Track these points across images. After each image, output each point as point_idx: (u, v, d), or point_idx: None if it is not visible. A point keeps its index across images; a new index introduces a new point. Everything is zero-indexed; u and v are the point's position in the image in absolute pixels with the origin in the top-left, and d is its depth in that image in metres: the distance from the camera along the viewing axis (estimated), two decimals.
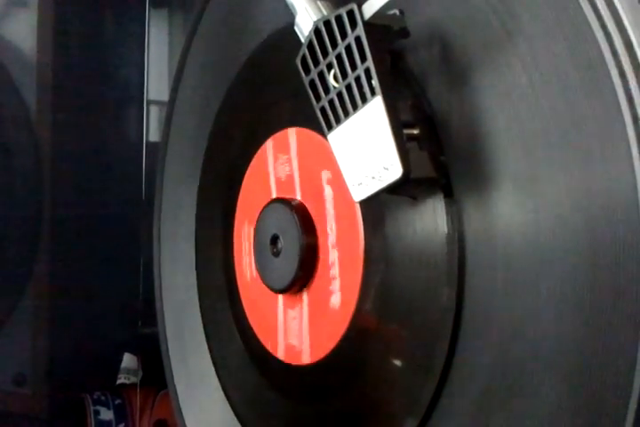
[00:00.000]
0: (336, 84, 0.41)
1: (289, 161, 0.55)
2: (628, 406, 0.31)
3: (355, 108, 0.39)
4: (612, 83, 0.33)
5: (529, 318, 0.36)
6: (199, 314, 0.69)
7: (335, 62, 0.40)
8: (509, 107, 0.38)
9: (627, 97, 0.32)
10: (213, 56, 0.70)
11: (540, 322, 0.36)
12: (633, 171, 0.32)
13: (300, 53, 0.43)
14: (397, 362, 0.44)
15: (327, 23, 0.41)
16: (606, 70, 0.33)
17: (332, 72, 0.41)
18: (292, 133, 0.55)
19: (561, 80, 0.35)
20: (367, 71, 0.38)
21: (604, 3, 0.33)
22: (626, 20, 0.33)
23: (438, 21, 0.42)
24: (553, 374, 0.35)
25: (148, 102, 1.08)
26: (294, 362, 0.54)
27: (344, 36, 0.39)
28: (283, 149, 0.56)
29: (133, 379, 1.05)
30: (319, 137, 0.50)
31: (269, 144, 0.58)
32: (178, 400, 0.73)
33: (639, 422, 0.32)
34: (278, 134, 0.56)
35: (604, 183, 0.33)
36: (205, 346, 0.68)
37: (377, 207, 0.45)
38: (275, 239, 0.54)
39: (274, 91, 0.58)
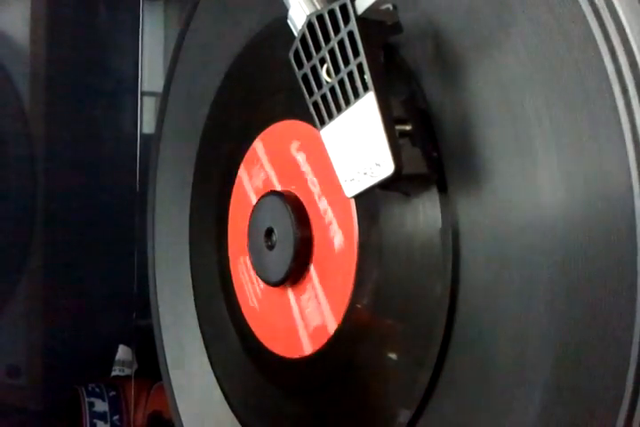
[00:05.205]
0: (329, 79, 0.40)
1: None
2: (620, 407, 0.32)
3: (347, 103, 0.39)
4: (607, 77, 0.33)
5: (523, 312, 0.36)
6: (194, 306, 0.69)
7: (328, 57, 0.40)
8: (503, 102, 0.37)
9: (621, 88, 0.32)
10: (208, 47, 0.70)
11: (534, 315, 0.36)
12: (627, 163, 0.32)
13: (293, 47, 0.42)
14: (391, 355, 0.44)
15: (320, 17, 0.40)
16: (602, 67, 0.33)
17: (325, 67, 0.41)
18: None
19: (556, 75, 0.35)
20: (360, 66, 0.38)
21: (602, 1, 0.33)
22: (623, 17, 0.32)
23: (433, 16, 0.41)
24: (546, 367, 0.35)
25: (143, 94, 1.08)
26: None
27: (337, 30, 0.39)
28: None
29: (128, 371, 1.05)
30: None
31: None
32: (172, 392, 0.73)
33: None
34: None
35: (600, 177, 0.33)
36: (200, 338, 0.68)
37: (371, 202, 0.45)
38: (269, 232, 0.53)
39: (268, 83, 0.58)
